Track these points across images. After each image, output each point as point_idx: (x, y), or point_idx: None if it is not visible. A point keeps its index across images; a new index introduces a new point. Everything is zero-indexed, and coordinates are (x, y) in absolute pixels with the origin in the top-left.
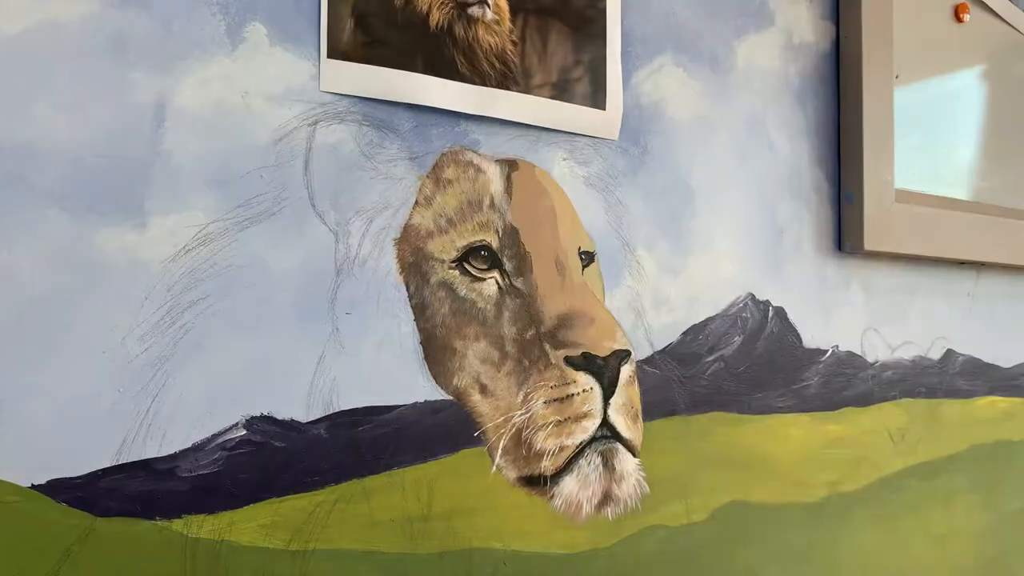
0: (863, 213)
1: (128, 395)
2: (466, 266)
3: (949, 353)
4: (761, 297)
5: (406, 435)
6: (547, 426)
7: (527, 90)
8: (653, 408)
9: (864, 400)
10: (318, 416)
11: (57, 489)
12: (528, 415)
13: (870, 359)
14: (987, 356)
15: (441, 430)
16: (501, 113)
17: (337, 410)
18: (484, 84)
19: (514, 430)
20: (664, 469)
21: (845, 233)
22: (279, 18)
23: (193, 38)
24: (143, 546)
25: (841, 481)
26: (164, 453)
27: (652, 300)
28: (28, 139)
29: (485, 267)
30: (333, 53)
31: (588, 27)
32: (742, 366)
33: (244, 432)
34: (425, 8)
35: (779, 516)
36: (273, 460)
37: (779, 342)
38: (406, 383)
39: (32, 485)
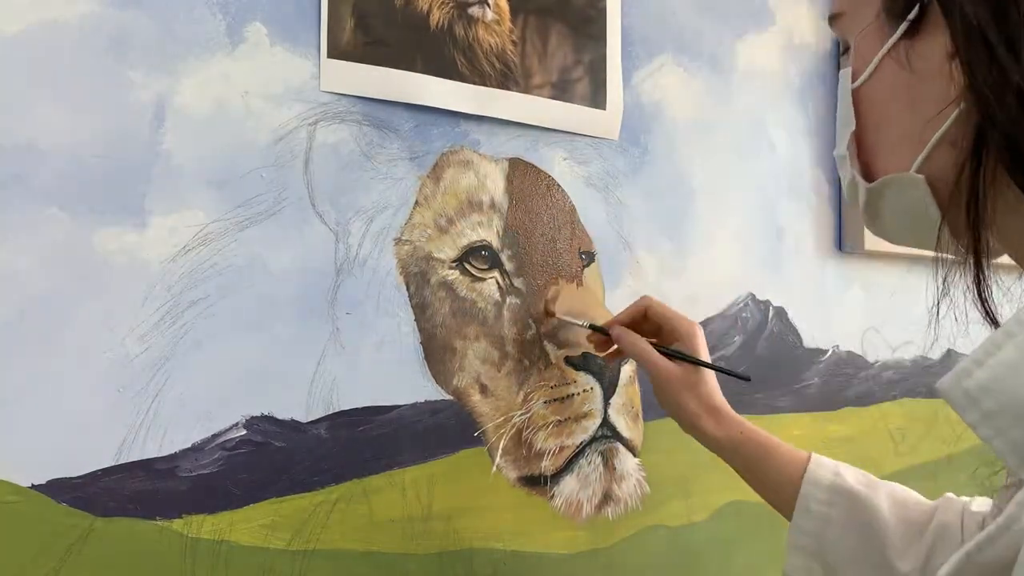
0: None
1: (128, 395)
2: (466, 266)
3: (949, 353)
4: (761, 297)
5: (406, 435)
6: (547, 426)
7: (527, 90)
8: (653, 408)
9: (864, 400)
10: (318, 416)
11: (57, 489)
12: (528, 415)
13: (870, 359)
14: None
15: (441, 430)
16: (501, 113)
17: (337, 410)
18: (484, 84)
19: (514, 430)
20: (664, 469)
21: (845, 233)
22: (279, 18)
23: (193, 38)
24: (143, 546)
25: None
26: (164, 453)
27: None
28: (28, 139)
29: (485, 267)
30: (333, 53)
31: (588, 27)
32: (743, 366)
33: (244, 432)
34: (425, 8)
35: (779, 516)
36: (273, 460)
37: (780, 342)
38: (406, 383)
39: (32, 485)
